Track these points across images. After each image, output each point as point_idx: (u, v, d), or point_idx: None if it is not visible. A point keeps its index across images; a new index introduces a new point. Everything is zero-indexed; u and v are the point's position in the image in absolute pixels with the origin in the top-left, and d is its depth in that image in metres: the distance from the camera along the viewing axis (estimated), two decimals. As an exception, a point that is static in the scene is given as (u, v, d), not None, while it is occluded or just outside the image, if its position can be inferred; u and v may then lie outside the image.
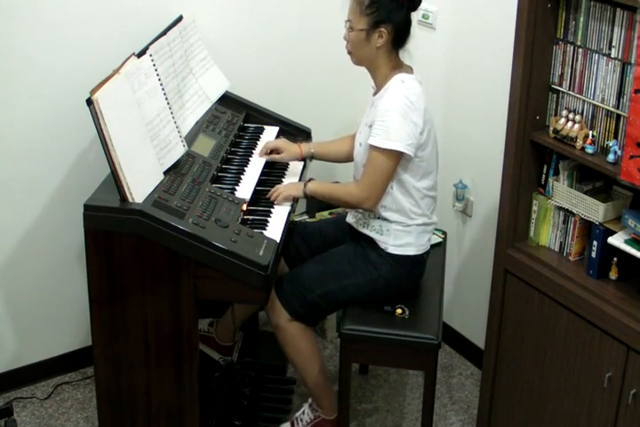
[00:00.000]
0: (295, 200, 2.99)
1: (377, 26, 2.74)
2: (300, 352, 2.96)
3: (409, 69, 2.85)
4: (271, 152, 3.16)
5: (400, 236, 2.87)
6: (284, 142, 3.21)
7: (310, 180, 2.96)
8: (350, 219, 3.02)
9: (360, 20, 2.75)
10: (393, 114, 2.71)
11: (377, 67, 2.82)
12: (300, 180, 3.15)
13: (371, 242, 2.91)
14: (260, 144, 3.22)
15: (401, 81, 2.77)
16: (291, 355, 2.98)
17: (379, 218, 2.88)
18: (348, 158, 3.12)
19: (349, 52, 2.84)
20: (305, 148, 3.17)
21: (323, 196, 2.94)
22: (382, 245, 2.89)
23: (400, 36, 2.78)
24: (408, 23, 2.79)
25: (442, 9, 3.38)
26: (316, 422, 3.06)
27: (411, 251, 2.90)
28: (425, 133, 2.78)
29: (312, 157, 3.20)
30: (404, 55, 2.84)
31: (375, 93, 2.87)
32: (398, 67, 2.83)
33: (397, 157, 2.75)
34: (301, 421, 3.08)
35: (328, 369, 3.56)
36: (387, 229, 2.88)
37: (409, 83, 2.77)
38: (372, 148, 2.75)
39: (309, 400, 3.10)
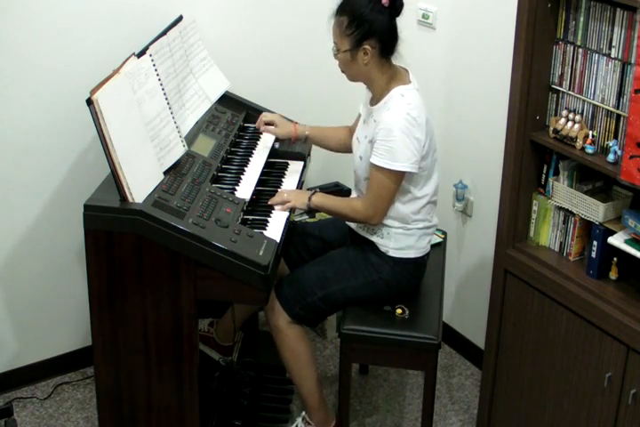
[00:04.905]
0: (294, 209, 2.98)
1: (360, 44, 2.70)
2: (298, 357, 2.94)
3: (405, 75, 2.82)
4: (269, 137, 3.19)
5: (401, 239, 2.87)
6: (279, 118, 3.22)
7: (315, 192, 2.93)
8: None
9: (343, 41, 2.73)
10: (396, 133, 2.68)
11: (372, 80, 2.80)
12: (300, 179, 3.15)
13: (371, 245, 2.91)
14: (261, 144, 3.22)
15: (400, 95, 2.74)
16: (288, 360, 2.96)
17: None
18: (340, 148, 3.15)
19: (343, 71, 2.83)
20: (300, 128, 3.18)
21: (327, 210, 2.93)
22: (383, 249, 2.88)
23: (387, 45, 2.75)
24: (393, 30, 2.75)
25: (442, 9, 3.38)
26: None
27: (411, 254, 2.89)
28: (427, 144, 2.76)
29: (305, 138, 3.20)
30: (397, 58, 2.81)
31: (373, 103, 2.84)
32: (394, 76, 2.80)
33: (401, 176, 2.75)
34: None
35: (328, 369, 3.56)
36: (387, 232, 2.87)
37: (409, 96, 2.74)
38: (376, 167, 2.73)
39: (303, 413, 3.06)
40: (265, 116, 3.20)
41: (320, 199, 2.91)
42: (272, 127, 3.17)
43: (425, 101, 2.80)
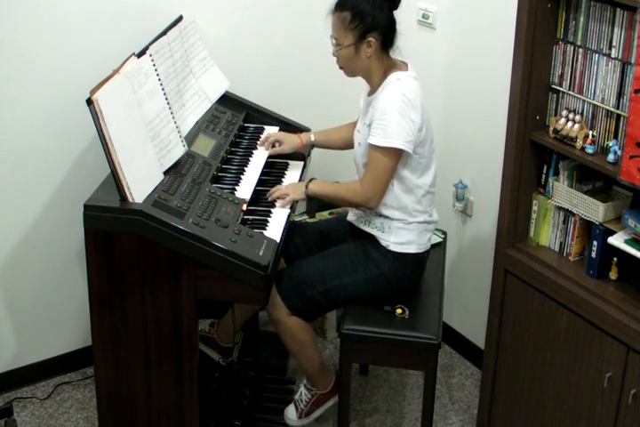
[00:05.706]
0: (295, 201, 2.99)
1: (364, 37, 2.75)
2: (300, 343, 2.99)
3: (403, 66, 2.86)
4: (273, 146, 3.20)
5: (401, 233, 2.88)
6: (283, 134, 3.24)
7: (311, 180, 2.96)
8: (351, 217, 3.03)
9: (346, 35, 2.76)
10: (391, 112, 2.72)
11: (371, 73, 2.84)
12: (300, 179, 3.15)
13: (372, 239, 2.92)
14: (260, 144, 3.22)
15: (397, 79, 2.78)
16: (290, 345, 3.02)
17: (380, 215, 2.89)
18: (345, 147, 3.17)
19: (341, 67, 2.85)
20: (305, 137, 3.21)
21: (326, 195, 2.95)
22: (383, 243, 2.89)
23: (388, 37, 2.79)
24: (393, 23, 2.80)
25: (442, 9, 3.38)
26: (314, 400, 3.11)
27: (412, 249, 2.90)
28: (424, 130, 2.79)
29: (312, 145, 3.24)
30: (395, 51, 2.84)
31: (371, 93, 2.87)
32: (391, 66, 2.83)
33: (397, 155, 2.76)
34: (302, 401, 3.13)
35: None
36: (388, 226, 2.88)
37: (405, 80, 2.78)
38: (372, 147, 2.76)
39: (304, 381, 3.13)
40: (269, 137, 3.21)
41: (317, 186, 2.93)
42: (278, 148, 3.18)
43: (423, 91, 2.82)
